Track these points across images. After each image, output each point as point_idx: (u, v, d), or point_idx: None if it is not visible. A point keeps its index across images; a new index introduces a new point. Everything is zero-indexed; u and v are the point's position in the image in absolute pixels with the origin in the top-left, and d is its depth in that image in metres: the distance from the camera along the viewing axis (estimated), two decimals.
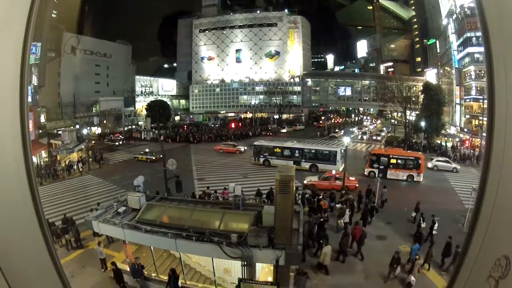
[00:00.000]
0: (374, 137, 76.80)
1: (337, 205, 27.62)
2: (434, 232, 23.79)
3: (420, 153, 48.02)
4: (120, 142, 74.05)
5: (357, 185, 36.64)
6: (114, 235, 19.04)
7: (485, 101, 4.11)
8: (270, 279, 16.02)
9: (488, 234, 3.12)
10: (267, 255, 14.20)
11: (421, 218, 25.05)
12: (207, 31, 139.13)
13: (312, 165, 46.03)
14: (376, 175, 40.85)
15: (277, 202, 14.42)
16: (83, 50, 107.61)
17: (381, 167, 42.22)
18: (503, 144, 2.97)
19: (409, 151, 54.50)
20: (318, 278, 18.95)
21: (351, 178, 37.74)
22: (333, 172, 38.35)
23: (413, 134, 75.25)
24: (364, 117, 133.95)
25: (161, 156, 57.10)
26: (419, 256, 19.63)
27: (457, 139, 74.27)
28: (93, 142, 67.58)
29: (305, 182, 37.20)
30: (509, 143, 2.91)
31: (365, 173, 43.48)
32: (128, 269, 18.24)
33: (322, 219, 23.91)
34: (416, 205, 28.28)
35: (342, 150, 44.99)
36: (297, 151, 48.12)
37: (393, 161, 42.55)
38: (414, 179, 40.86)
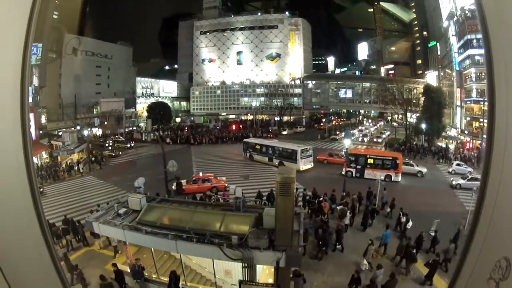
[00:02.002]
0: (375, 139, 76.68)
1: (338, 207, 27.60)
2: (407, 227, 24.40)
3: (398, 153, 48.45)
4: (132, 144, 73.57)
5: (226, 185, 36.67)
6: (115, 237, 19.06)
7: (486, 103, 4.10)
8: (270, 281, 16.00)
9: (489, 236, 3.12)
10: (267, 257, 14.14)
11: (401, 213, 25.58)
12: (208, 33, 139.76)
13: (280, 162, 48.05)
14: (354, 175, 41.60)
15: (277, 204, 14.40)
16: (84, 51, 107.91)
17: (359, 167, 42.39)
18: (503, 146, 2.97)
19: (412, 153, 54.61)
20: (319, 280, 18.94)
21: (219, 179, 38.14)
22: (200, 174, 38.12)
23: (413, 136, 75.17)
24: (365, 120, 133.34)
25: (114, 151, 61.38)
26: (371, 241, 20.75)
27: (459, 141, 74.25)
28: (108, 146, 67.62)
29: (173, 187, 35.41)
30: (509, 145, 2.91)
31: (343, 172, 42.89)
32: (129, 271, 18.24)
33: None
34: (392, 201, 29.10)
35: (309, 149, 48.00)
36: (270, 149, 50.97)
37: (370, 161, 42.76)
38: (392, 179, 40.80)
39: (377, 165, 42.39)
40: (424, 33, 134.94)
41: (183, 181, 35.70)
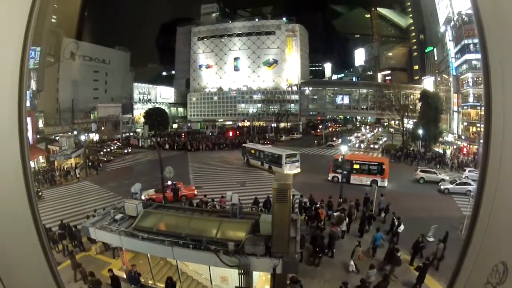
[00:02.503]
0: (372, 145, 76.79)
1: (335, 213, 27.59)
2: (399, 230, 24.46)
3: (384, 158, 48.54)
4: (129, 150, 73.97)
5: (196, 192, 36.73)
6: (111, 242, 19.04)
7: (483, 108, 4.15)
8: (267, 287, 15.99)
9: (486, 240, 3.12)
10: (264, 263, 14.13)
11: (394, 218, 25.62)
12: (205, 39, 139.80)
13: (269, 166, 49.27)
14: (340, 180, 40.90)
15: (274, 210, 14.41)
16: (82, 56, 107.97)
17: (345, 172, 41.66)
18: (500, 151, 2.97)
19: (409, 158, 54.52)
20: (316, 287, 18.91)
21: (188, 187, 38.09)
22: (169, 182, 36.00)
23: (410, 142, 75.27)
24: (362, 126, 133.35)
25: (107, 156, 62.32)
26: (359, 243, 21.30)
27: (455, 146, 74.30)
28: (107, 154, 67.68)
29: (143, 197, 32.78)
30: (506, 150, 2.91)
31: (329, 178, 43.85)
32: (125, 276, 18.18)
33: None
34: (386, 206, 29.30)
35: (296, 154, 48.60)
36: (261, 153, 51.98)
37: (356, 166, 42.76)
38: (378, 184, 39.78)
39: (363, 170, 42.55)
40: (421, 36, 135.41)
41: (152, 190, 35.00)
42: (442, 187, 39.95)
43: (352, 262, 20.19)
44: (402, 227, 24.42)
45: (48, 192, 41.14)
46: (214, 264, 14.87)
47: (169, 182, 35.13)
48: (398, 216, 25.44)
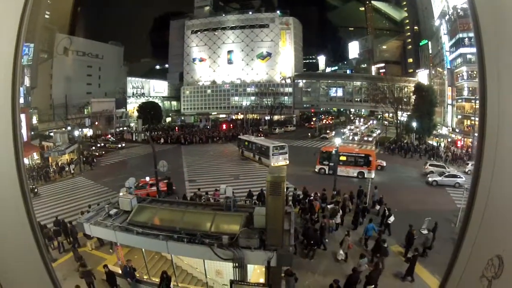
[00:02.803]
0: (366, 138, 77.04)
1: (328, 206, 27.64)
2: (389, 222, 24.79)
3: (371, 149, 48.76)
4: (123, 144, 73.75)
5: (174, 188, 36.76)
6: (106, 238, 18.96)
7: (477, 101, 4.13)
8: (262, 280, 16.00)
9: (481, 234, 3.13)
10: (258, 256, 14.15)
11: (385, 209, 25.92)
12: (199, 32, 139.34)
13: (259, 158, 50.39)
14: (326, 172, 42.26)
15: (268, 203, 14.40)
16: (75, 51, 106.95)
17: (331, 164, 41.82)
18: (495, 143, 2.98)
19: (402, 151, 54.66)
20: (311, 279, 18.95)
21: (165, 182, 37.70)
22: (147, 179, 35.68)
23: (404, 134, 75.39)
24: (357, 118, 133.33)
25: (98, 151, 62.84)
26: (348, 232, 21.58)
27: (449, 139, 74.48)
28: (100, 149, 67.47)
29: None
30: (501, 143, 2.92)
31: (316, 170, 44.42)
32: (120, 272, 18.17)
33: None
34: (380, 198, 29.62)
35: (284, 146, 49.30)
36: (253, 145, 53.11)
37: (343, 158, 42.79)
38: (365, 176, 40.82)
39: (350, 162, 42.91)
40: (415, 28, 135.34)
41: None
42: (430, 179, 40.23)
43: (341, 251, 20.51)
44: (392, 218, 24.62)
45: (43, 188, 40.97)
46: (209, 257, 14.85)
47: (147, 179, 34.96)
48: (388, 208, 25.73)
